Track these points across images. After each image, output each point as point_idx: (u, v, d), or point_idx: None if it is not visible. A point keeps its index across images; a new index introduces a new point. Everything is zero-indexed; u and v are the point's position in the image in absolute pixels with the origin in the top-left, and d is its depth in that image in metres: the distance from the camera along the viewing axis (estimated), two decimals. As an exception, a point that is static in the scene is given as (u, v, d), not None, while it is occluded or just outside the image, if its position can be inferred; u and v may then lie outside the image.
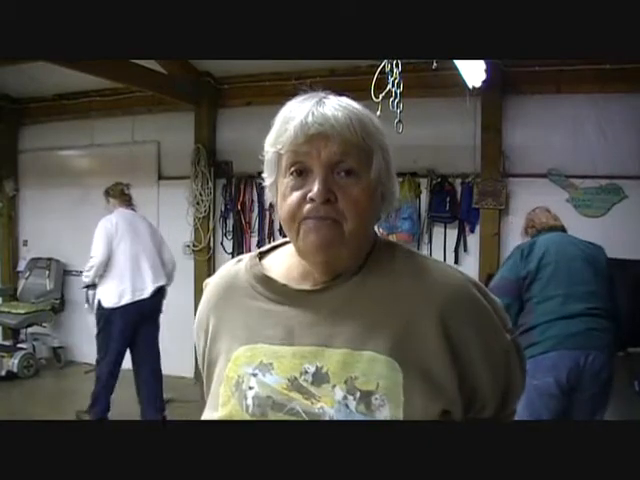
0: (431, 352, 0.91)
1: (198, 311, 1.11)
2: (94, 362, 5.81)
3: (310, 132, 0.90)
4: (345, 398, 0.89)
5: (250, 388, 0.94)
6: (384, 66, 2.16)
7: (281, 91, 4.57)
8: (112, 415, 4.10)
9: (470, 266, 4.65)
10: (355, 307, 0.95)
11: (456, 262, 4.70)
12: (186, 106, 5.36)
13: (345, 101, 0.95)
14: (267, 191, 1.00)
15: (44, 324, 5.75)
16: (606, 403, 2.88)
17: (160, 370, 4.27)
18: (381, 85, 2.14)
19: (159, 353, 4.26)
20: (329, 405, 0.89)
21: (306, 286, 0.99)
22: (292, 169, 0.93)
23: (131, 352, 4.22)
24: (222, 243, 5.48)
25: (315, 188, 0.91)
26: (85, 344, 5.97)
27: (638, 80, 3.99)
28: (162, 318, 4.25)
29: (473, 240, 4.72)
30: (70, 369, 5.49)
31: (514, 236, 4.57)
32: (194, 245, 5.51)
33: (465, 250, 4.75)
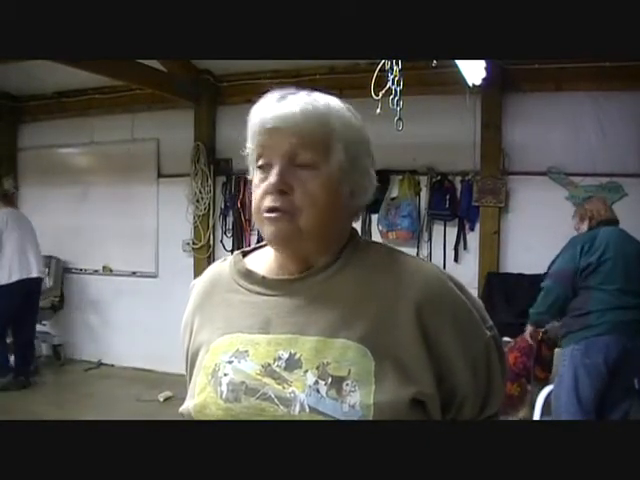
0: (405, 342, 0.92)
1: (185, 312, 1.11)
2: (94, 360, 5.86)
3: (268, 127, 0.94)
4: (316, 383, 0.89)
5: (225, 375, 0.95)
6: (384, 64, 2.16)
7: (281, 89, 4.57)
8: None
9: (470, 264, 4.66)
10: (330, 297, 0.96)
11: (456, 260, 4.71)
12: (186, 104, 5.36)
13: (313, 96, 0.96)
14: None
15: (44, 322, 5.75)
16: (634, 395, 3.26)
17: (33, 340, 5.29)
18: (381, 83, 2.14)
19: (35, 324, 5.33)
20: (300, 390, 0.90)
21: (283, 277, 1.01)
22: (258, 163, 0.98)
23: (14, 322, 5.07)
24: (222, 241, 5.48)
25: (271, 179, 0.94)
26: (85, 342, 5.98)
27: (638, 78, 3.99)
28: (161, 316, 4.23)
29: (473, 238, 4.72)
30: (70, 367, 5.49)
31: (514, 234, 4.58)
32: (194, 243, 5.51)
33: (465, 248, 4.74)
